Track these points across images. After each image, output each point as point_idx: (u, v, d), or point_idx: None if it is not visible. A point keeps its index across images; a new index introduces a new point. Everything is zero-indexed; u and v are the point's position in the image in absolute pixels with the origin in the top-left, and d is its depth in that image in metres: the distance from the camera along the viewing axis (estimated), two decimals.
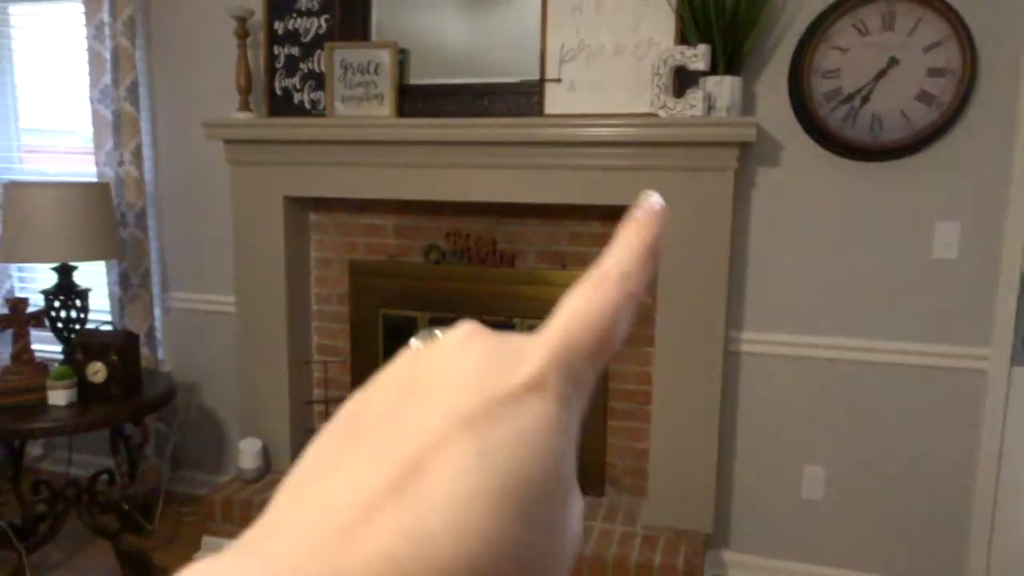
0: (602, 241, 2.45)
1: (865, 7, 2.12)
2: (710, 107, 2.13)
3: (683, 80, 2.19)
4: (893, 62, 2.12)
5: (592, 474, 2.55)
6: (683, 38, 2.19)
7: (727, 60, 2.13)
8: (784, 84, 2.24)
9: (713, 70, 2.13)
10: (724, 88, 2.11)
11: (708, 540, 2.37)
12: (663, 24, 2.22)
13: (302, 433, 2.75)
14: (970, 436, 2.23)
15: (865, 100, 2.15)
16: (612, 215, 2.42)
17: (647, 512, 2.38)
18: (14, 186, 2.47)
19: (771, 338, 2.35)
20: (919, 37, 2.10)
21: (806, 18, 2.19)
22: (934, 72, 2.09)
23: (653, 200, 0.24)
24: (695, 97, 2.12)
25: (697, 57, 2.10)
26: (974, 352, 2.20)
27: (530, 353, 0.21)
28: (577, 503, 0.21)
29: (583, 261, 2.47)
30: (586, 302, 0.22)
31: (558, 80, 2.32)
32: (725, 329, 2.26)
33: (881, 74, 2.13)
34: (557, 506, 0.19)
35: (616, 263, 0.22)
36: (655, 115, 2.16)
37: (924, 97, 2.11)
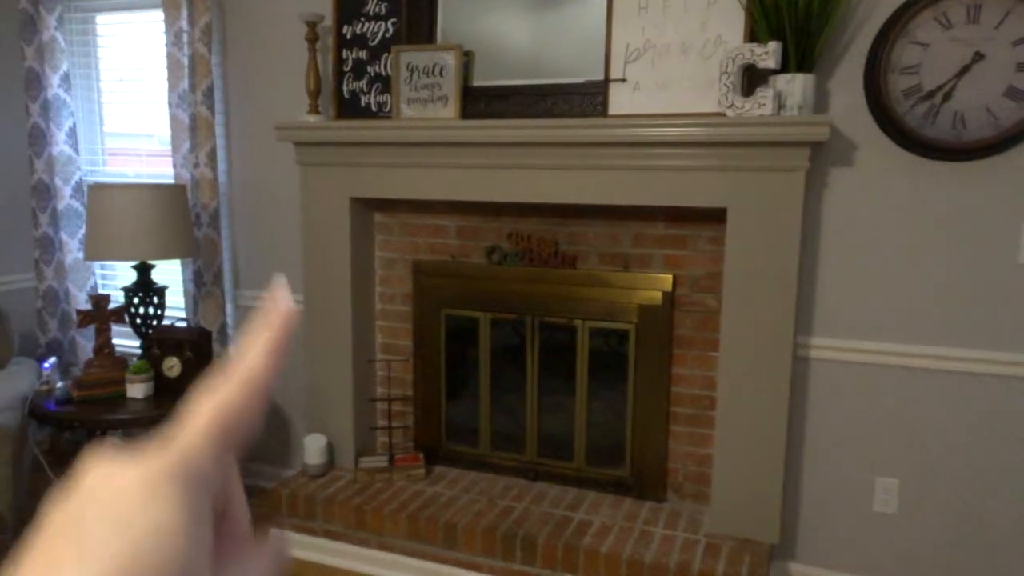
0: (666, 243, 2.41)
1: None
2: (780, 106, 2.07)
3: (752, 79, 2.13)
4: (978, 57, 2.02)
5: (654, 479, 2.51)
6: (752, 36, 2.13)
7: (799, 57, 2.06)
8: (859, 81, 2.16)
9: (784, 68, 2.07)
10: (795, 86, 2.05)
11: (773, 550, 2.31)
12: (732, 22, 2.17)
13: (365, 431, 2.80)
14: None
15: (947, 97, 2.06)
16: (677, 216, 2.37)
17: (710, 519, 2.33)
18: (98, 188, 2.59)
19: (842, 344, 2.27)
20: (1007, 30, 1.99)
21: (884, 12, 2.10)
22: None
23: (283, 300, 0.26)
24: (764, 96, 2.06)
25: (767, 55, 2.04)
26: None
27: (147, 469, 0.23)
28: None
29: (646, 263, 2.44)
30: (210, 402, 0.24)
31: (623, 80, 2.29)
32: (794, 334, 2.20)
33: (965, 69, 2.03)
34: None
35: (244, 364, 0.25)
36: (722, 115, 2.11)
37: (1013, 93, 2.00)
